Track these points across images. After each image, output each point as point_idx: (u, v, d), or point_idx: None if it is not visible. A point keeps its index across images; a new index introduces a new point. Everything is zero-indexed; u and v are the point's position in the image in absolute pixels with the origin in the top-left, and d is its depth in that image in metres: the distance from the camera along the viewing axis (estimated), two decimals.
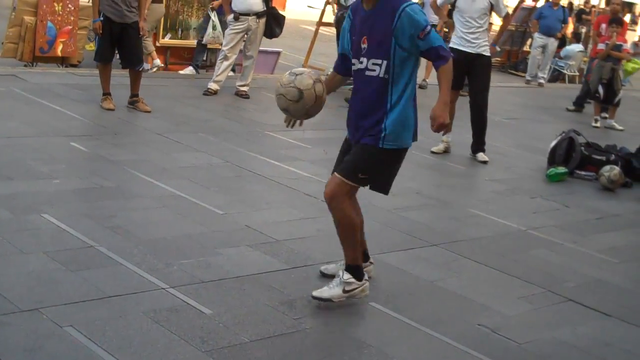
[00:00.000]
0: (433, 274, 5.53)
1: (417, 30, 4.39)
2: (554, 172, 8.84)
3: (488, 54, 9.03)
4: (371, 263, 5.16)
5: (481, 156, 9.10)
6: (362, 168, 4.65)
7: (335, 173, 4.71)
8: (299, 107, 4.58)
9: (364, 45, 4.54)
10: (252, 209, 6.30)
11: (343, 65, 4.85)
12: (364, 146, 4.63)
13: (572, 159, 9.11)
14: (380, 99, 4.55)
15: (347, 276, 4.70)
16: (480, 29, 8.87)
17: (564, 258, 6.30)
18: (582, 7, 26.22)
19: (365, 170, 4.66)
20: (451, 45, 9.03)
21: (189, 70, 12.13)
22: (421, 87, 13.65)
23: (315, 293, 4.67)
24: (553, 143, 9.33)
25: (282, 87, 4.57)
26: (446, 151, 9.11)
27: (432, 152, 9.02)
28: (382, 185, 4.88)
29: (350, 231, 4.72)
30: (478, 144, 9.18)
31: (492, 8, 8.97)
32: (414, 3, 4.47)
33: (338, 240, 4.78)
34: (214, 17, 11.66)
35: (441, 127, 4.52)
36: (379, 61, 4.50)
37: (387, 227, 6.35)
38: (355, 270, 4.74)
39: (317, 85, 4.56)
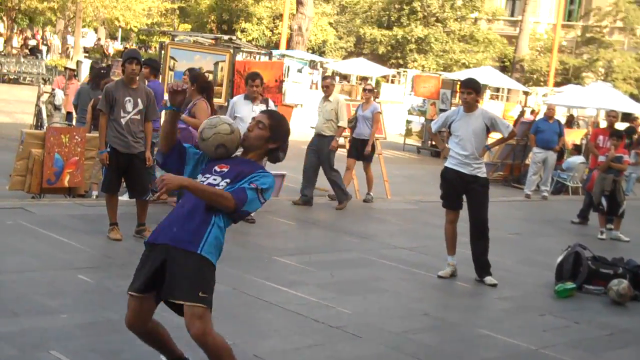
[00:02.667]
0: None
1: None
2: (562, 288, 8.81)
3: (484, 175, 8.93)
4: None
5: (489, 280, 8.92)
6: (201, 286, 4.63)
7: (188, 304, 4.56)
8: (234, 138, 4.89)
9: (224, 170, 4.81)
10: (260, 337, 6.27)
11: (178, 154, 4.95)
12: (188, 257, 4.61)
13: (579, 274, 9.09)
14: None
15: None
16: (476, 152, 8.78)
17: None
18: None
19: (205, 287, 4.64)
20: (446, 164, 9.01)
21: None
22: (366, 200, 13.75)
23: None
24: (560, 258, 9.33)
25: (212, 128, 4.85)
26: (453, 275, 9.02)
27: (440, 277, 8.95)
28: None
29: (231, 358, 4.69)
30: (483, 267, 9.01)
31: (488, 130, 8.96)
32: (266, 176, 4.77)
33: None
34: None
35: (162, 185, 4.48)
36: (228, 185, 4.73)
37: (395, 351, 6.30)
38: None
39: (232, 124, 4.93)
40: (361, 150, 13.65)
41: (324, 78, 13.63)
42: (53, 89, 16.67)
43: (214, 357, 4.63)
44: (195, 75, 10.35)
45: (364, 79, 42.83)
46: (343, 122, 12.87)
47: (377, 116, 13.80)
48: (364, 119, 13.70)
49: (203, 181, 4.76)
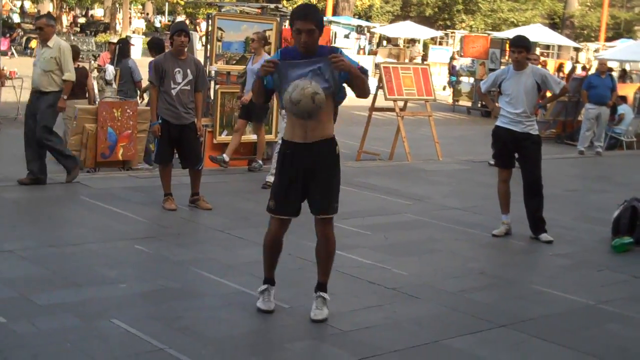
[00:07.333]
0: (503, 356, 5.45)
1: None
2: (620, 243, 8.70)
3: (536, 132, 8.84)
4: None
5: (545, 237, 8.84)
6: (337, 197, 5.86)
7: (326, 216, 5.86)
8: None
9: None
10: None
11: (268, 96, 5.96)
12: (331, 175, 5.79)
13: (637, 228, 8.96)
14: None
15: (327, 295, 5.90)
16: (528, 109, 8.69)
17: (638, 331, 6.16)
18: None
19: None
20: (498, 123, 8.93)
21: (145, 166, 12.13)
22: (251, 169, 11.95)
23: (318, 317, 5.75)
24: (616, 213, 9.20)
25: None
26: (507, 233, 8.97)
27: (494, 236, 8.91)
28: None
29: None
30: (538, 225, 8.93)
31: (539, 88, 8.85)
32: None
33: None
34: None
35: (339, 61, 5.51)
36: (326, 85, 5.56)
37: (453, 311, 6.29)
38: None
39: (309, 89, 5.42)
40: (252, 109, 11.39)
41: (38, 18, 10.99)
42: (99, 65, 16.84)
43: (330, 254, 5.93)
44: None
45: (411, 41, 42.48)
46: (69, 75, 10.03)
47: None
48: (254, 74, 9.83)
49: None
